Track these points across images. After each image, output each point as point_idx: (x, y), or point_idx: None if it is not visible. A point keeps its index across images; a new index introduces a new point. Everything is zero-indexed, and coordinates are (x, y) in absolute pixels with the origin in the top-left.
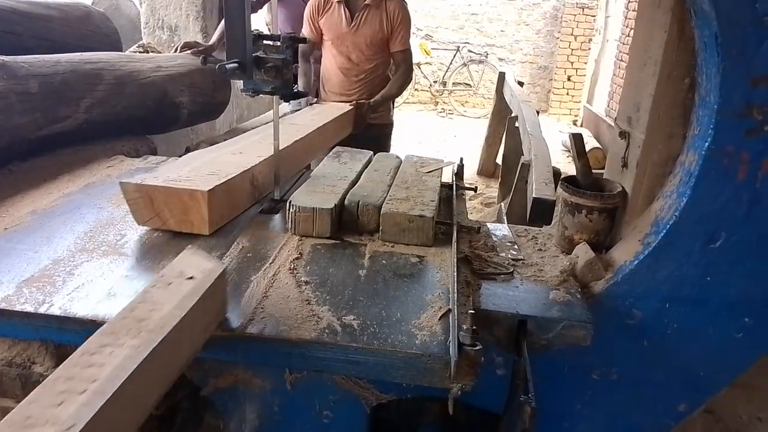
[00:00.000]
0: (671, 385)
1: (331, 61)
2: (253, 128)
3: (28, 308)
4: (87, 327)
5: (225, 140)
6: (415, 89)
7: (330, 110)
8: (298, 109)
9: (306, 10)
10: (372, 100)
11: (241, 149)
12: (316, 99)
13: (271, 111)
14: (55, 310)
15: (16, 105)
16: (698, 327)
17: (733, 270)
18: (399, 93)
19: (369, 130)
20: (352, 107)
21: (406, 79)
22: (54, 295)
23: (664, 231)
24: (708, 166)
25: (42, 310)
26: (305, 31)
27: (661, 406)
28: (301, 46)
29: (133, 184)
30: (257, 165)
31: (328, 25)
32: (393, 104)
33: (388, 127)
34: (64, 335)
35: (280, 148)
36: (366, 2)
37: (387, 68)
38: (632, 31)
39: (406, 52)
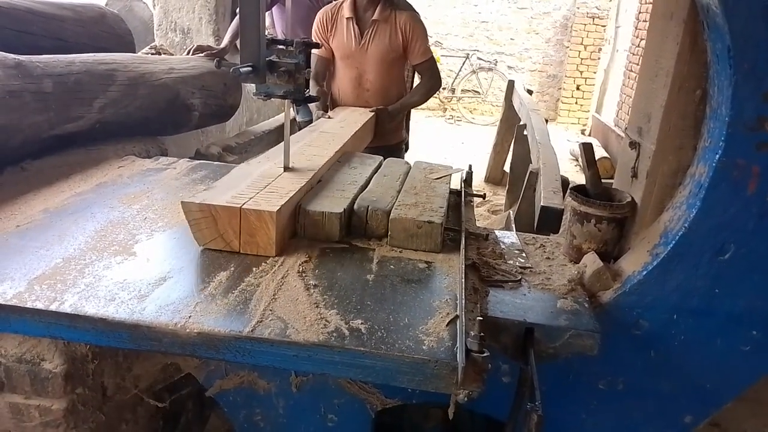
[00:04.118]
0: (677, 396)
1: (343, 80)
2: (263, 131)
3: (39, 305)
4: (97, 325)
5: (236, 143)
6: None
7: (353, 117)
8: (309, 120)
9: (314, 27)
10: (391, 106)
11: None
12: (329, 115)
13: (281, 114)
14: (66, 308)
15: (30, 104)
16: (705, 339)
17: (742, 282)
18: (423, 100)
19: (379, 151)
20: (372, 114)
21: (432, 85)
22: (65, 293)
23: (673, 242)
24: (718, 179)
25: (53, 307)
26: (316, 50)
27: (667, 417)
28: (314, 68)
29: (196, 204)
30: (309, 180)
31: (337, 43)
32: (408, 121)
33: (398, 146)
34: (74, 333)
35: (328, 157)
36: (374, 18)
37: (403, 85)
38: (642, 41)
39: (429, 61)
